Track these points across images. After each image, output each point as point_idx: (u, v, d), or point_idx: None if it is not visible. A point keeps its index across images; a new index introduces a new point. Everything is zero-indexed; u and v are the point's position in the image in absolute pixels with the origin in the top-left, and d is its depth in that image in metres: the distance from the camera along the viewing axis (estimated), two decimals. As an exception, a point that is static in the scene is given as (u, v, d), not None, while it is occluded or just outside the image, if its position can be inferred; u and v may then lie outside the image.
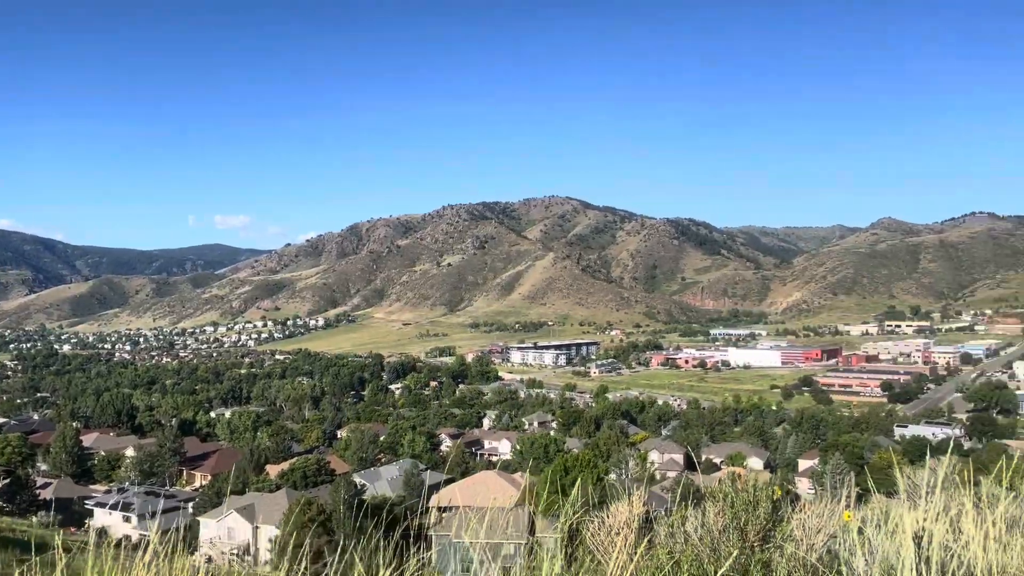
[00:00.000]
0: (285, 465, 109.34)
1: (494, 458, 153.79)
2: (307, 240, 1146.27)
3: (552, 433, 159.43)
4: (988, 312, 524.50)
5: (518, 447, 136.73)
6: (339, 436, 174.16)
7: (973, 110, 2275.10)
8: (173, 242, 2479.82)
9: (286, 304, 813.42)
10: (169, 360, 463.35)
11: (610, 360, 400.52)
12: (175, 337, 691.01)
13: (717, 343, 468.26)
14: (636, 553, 5.59)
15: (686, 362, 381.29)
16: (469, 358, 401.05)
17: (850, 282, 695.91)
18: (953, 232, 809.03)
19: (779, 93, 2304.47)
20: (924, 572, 4.84)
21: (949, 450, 7.71)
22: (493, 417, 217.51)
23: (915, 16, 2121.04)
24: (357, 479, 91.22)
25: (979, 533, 4.97)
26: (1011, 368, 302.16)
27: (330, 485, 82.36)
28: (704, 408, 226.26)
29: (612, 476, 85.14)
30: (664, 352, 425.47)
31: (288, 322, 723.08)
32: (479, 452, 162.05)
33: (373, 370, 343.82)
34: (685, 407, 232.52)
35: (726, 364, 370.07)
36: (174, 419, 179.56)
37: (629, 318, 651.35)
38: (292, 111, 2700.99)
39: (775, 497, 6.26)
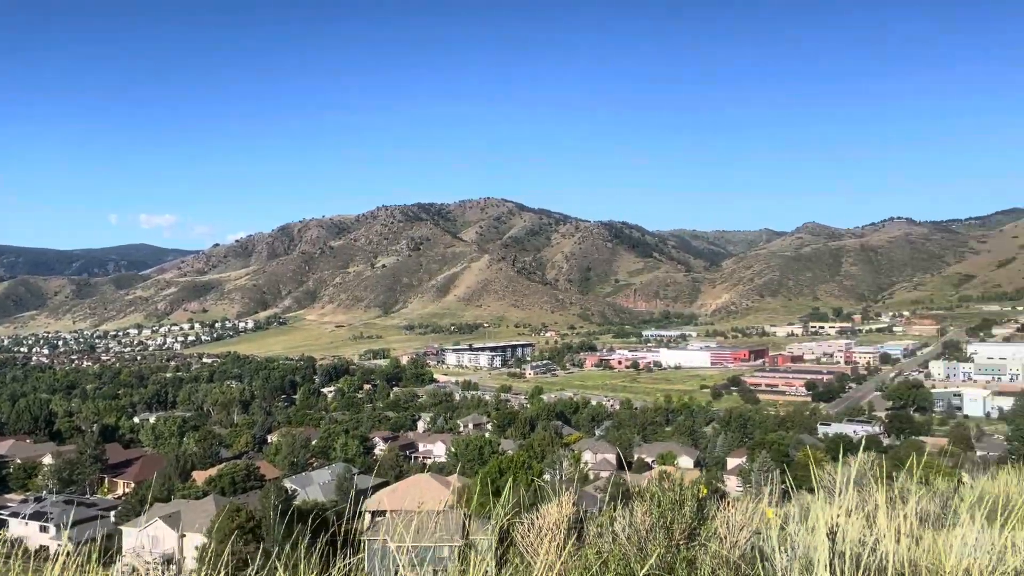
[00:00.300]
0: (213, 471, 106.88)
1: (429, 461, 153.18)
2: (236, 240, 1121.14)
3: (487, 435, 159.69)
4: (906, 313, 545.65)
5: (453, 449, 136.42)
6: (269, 441, 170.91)
7: (893, 120, 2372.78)
8: (94, 242, 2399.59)
9: (214, 306, 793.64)
10: (90, 364, 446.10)
11: (545, 361, 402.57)
12: (97, 340, 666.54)
13: (649, 344, 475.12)
14: (563, 553, 5.62)
15: (619, 363, 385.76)
16: (404, 360, 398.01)
17: (776, 284, 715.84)
18: (873, 236, 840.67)
19: (709, 101, 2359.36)
20: (838, 566, 4.94)
21: (861, 447, 7.99)
22: (428, 419, 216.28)
23: (838, 27, 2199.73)
24: (288, 484, 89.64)
25: (892, 527, 5.10)
26: (927, 367, 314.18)
27: (260, 491, 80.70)
28: (636, 408, 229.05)
29: (547, 477, 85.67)
30: (598, 353, 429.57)
31: (216, 324, 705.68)
32: (414, 455, 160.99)
33: (305, 373, 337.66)
34: (618, 407, 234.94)
35: (658, 365, 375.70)
36: (95, 425, 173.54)
37: (564, 319, 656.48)
38: (221, 109, 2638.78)
39: (700, 496, 6.37)
